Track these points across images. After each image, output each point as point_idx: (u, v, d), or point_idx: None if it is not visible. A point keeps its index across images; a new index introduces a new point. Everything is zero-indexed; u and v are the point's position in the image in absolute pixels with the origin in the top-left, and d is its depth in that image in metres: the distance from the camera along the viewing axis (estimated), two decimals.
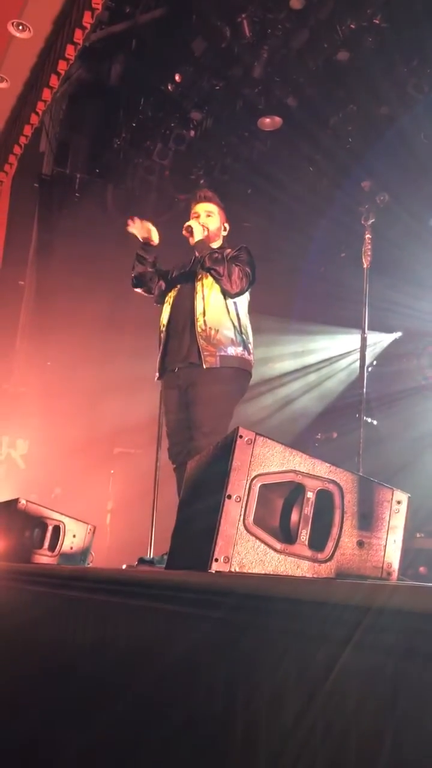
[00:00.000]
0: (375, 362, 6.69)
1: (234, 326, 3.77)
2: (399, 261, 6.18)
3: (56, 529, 3.75)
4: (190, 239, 3.89)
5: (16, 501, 3.71)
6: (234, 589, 1.46)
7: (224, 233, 4.08)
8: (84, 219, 8.23)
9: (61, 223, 8.49)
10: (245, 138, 7.43)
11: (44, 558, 3.68)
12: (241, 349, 3.76)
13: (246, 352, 3.79)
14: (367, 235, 3.98)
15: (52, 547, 3.72)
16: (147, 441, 5.83)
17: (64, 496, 7.39)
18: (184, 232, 3.91)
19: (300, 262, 7.70)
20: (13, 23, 5.09)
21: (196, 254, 3.88)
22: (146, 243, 3.99)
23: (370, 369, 4.31)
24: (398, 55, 5.90)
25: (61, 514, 3.82)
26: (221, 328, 3.73)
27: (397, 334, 6.94)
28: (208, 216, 4.01)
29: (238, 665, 1.38)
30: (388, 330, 6.88)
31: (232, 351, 3.72)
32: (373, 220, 4.01)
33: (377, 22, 5.77)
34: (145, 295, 4.12)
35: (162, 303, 4.05)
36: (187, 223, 3.92)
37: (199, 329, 3.72)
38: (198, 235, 3.87)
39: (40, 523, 3.73)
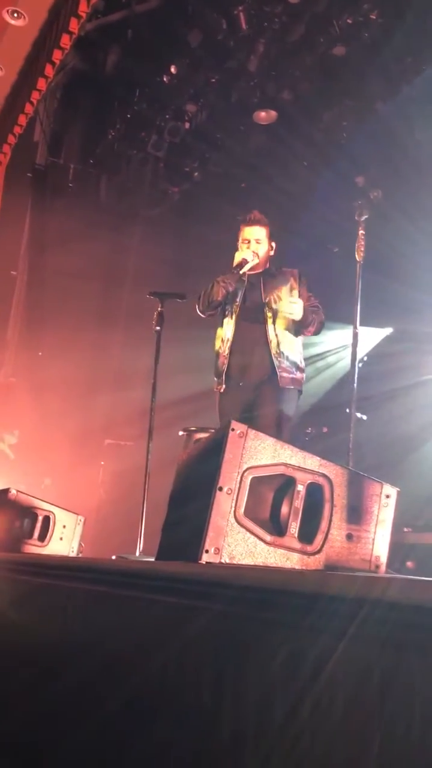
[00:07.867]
0: (366, 358, 6.69)
1: (298, 351, 4.08)
2: (391, 257, 6.17)
3: (46, 520, 3.76)
4: (246, 266, 4.00)
5: (6, 491, 3.72)
6: (230, 581, 1.47)
7: (271, 253, 4.21)
8: (77, 210, 8.19)
9: (54, 213, 8.44)
10: (240, 131, 7.41)
11: (34, 548, 3.69)
12: (301, 373, 4.07)
13: (303, 375, 4.10)
14: (361, 231, 3.99)
15: (42, 537, 3.74)
16: (138, 433, 5.83)
17: (54, 487, 7.38)
18: (239, 263, 3.99)
19: (293, 255, 7.68)
20: (8, 11, 5.06)
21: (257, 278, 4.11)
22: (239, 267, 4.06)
23: (360, 364, 4.32)
24: (392, 51, 5.89)
25: (52, 504, 3.83)
26: (290, 354, 4.00)
27: (388, 330, 6.95)
28: (258, 243, 4.12)
29: (233, 657, 1.39)
30: (380, 325, 6.89)
31: (298, 374, 4.03)
32: (366, 216, 4.01)
33: (373, 17, 5.76)
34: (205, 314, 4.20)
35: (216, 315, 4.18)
36: (243, 257, 4.01)
37: (273, 351, 3.95)
38: (252, 261, 4.03)
39: (31, 513, 3.74)
